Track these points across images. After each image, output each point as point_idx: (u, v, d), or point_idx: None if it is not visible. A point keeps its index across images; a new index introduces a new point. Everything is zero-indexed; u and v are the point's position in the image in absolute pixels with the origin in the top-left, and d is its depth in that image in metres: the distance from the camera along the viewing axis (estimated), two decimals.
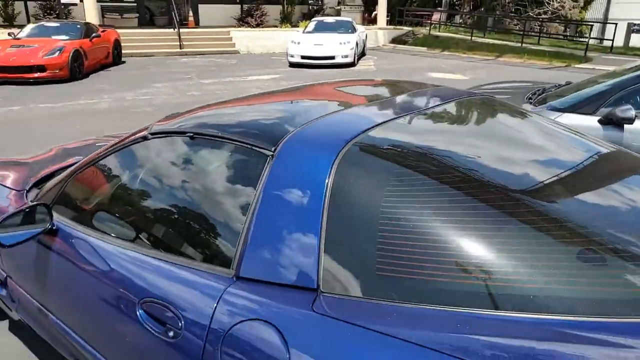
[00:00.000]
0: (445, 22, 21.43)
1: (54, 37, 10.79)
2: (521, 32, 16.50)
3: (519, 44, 15.45)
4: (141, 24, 18.58)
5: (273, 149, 1.27)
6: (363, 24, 19.86)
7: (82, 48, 10.65)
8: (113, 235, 1.52)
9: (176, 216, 1.43)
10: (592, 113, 3.32)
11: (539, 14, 19.07)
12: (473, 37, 16.82)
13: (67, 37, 10.86)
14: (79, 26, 11.56)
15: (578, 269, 1.01)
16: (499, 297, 0.95)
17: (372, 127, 1.33)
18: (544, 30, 18.70)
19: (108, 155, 1.70)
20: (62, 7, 16.14)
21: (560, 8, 18.70)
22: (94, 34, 11.51)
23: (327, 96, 1.89)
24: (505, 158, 1.39)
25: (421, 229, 1.07)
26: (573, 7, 18.94)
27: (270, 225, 1.18)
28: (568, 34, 19.04)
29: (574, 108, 3.43)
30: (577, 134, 1.72)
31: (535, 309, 0.92)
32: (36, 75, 9.70)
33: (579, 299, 0.94)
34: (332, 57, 12.59)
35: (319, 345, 0.97)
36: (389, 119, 1.41)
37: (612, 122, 3.17)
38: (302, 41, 13.03)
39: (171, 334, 1.19)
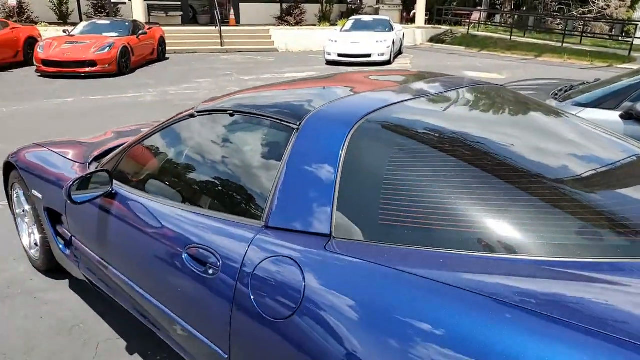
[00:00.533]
0: (485, 21, 21.23)
1: (104, 34, 11.41)
2: (563, 32, 16.20)
3: (560, 44, 15.21)
4: (185, 22, 19.25)
5: (298, 123, 1.51)
6: (401, 23, 19.93)
7: (129, 44, 11.22)
8: (163, 197, 1.79)
9: (216, 180, 1.69)
10: (614, 108, 3.41)
11: (583, 13, 18.67)
12: (512, 37, 16.64)
13: (116, 34, 11.47)
14: (127, 24, 12.16)
15: (545, 220, 1.20)
16: (474, 241, 1.16)
17: (384, 106, 1.55)
18: (588, 30, 18.29)
19: (158, 131, 1.99)
20: (112, 5, 16.93)
21: (606, 7, 18.25)
22: (140, 31, 12.09)
23: (353, 82, 2.11)
24: (499, 132, 1.58)
25: (415, 188, 1.29)
26: (619, 7, 18.44)
27: (294, 185, 1.42)
28: (613, 33, 18.54)
29: (596, 103, 3.53)
30: (569, 116, 1.89)
31: (508, 251, 1.12)
32: (87, 69, 10.31)
33: (545, 243, 1.14)
34: (369, 55, 12.77)
35: (327, 274, 1.20)
36: (400, 100, 1.63)
37: (632, 117, 3.26)
38: (339, 39, 13.26)
39: (211, 271, 1.45)
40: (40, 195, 2.50)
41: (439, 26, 20.18)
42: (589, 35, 17.16)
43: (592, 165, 1.52)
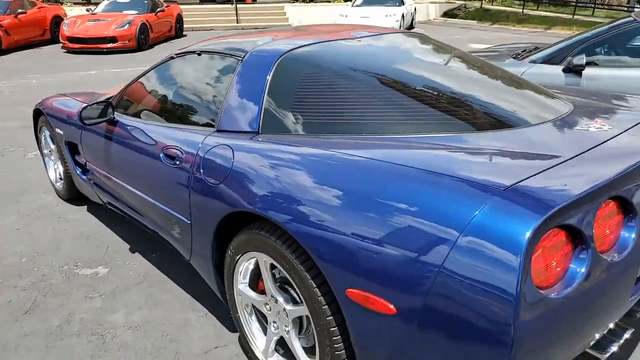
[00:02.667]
0: None
1: (124, 12, 12.04)
2: (575, 4, 16.16)
3: (571, 16, 15.24)
4: (203, 1, 19.76)
5: (243, 55, 2.06)
6: None
7: (148, 22, 11.83)
8: (150, 119, 2.36)
9: (186, 101, 2.25)
10: (558, 63, 3.84)
11: None
12: (524, 10, 16.67)
13: (135, 12, 12.09)
14: (145, 2, 12.75)
15: (415, 111, 1.72)
16: (356, 126, 1.69)
17: (303, 45, 2.08)
18: (605, 2, 18.14)
19: (149, 71, 2.56)
20: None
21: None
22: (158, 9, 12.68)
23: (300, 31, 2.60)
24: (397, 58, 2.09)
25: (317, 99, 1.82)
26: None
27: (235, 100, 1.97)
28: (629, 4, 18.33)
29: (545, 60, 3.96)
30: (467, 55, 2.37)
31: (383, 132, 1.65)
32: (109, 45, 10.98)
33: (412, 126, 1.66)
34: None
35: (248, 154, 1.75)
36: (318, 41, 2.15)
37: (571, 70, 3.70)
38: (349, 14, 13.63)
39: (177, 162, 2.02)
40: (62, 132, 3.11)
41: (453, 0, 20.23)
42: (604, 7, 17.05)
43: (456, 78, 2.01)
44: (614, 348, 1.55)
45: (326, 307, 1.49)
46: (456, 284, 1.16)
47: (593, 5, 16.66)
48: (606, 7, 17.19)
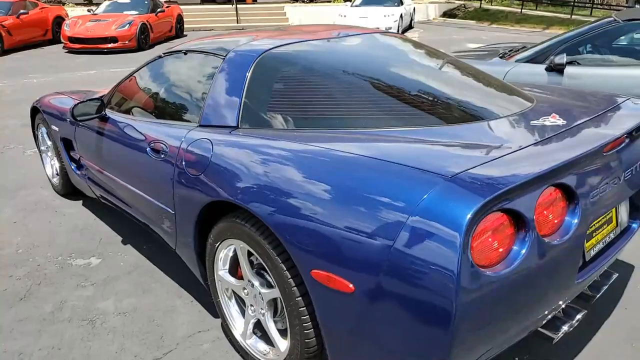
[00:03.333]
0: None
1: (125, 12, 12.18)
2: (572, 4, 16.23)
3: (569, 16, 15.31)
4: (203, 1, 19.89)
5: (225, 54, 2.17)
6: None
7: (148, 22, 11.97)
8: (139, 115, 2.47)
9: (171, 98, 2.37)
10: (542, 62, 3.94)
11: None
12: (523, 10, 16.76)
13: (136, 12, 12.23)
14: (146, 2, 12.88)
15: (383, 108, 1.83)
16: (331, 121, 1.80)
17: (280, 45, 2.19)
18: (604, 2, 18.20)
19: (137, 70, 2.67)
20: None
21: None
22: (159, 9, 12.82)
23: (279, 32, 2.70)
24: (366, 56, 2.20)
25: (292, 96, 1.93)
26: None
27: (217, 97, 2.08)
28: (628, 4, 18.36)
29: (530, 59, 4.05)
30: (432, 50, 2.48)
31: (349, 127, 1.75)
32: (109, 45, 11.12)
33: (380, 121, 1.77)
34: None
35: (226, 147, 1.86)
36: (294, 41, 2.25)
37: (552, 69, 3.80)
38: (348, 14, 13.74)
39: (162, 155, 2.13)
40: (57, 129, 3.23)
41: (453, 0, 20.32)
42: (604, 6, 17.10)
43: (424, 75, 2.12)
44: (565, 328, 1.65)
45: (295, 288, 1.60)
46: (406, 262, 1.26)
47: (591, 5, 16.73)
48: (605, 7, 17.25)
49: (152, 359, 2.04)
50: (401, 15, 13.88)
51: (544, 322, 1.61)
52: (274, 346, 1.86)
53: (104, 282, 2.59)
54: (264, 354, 1.90)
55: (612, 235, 1.81)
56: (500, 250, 1.31)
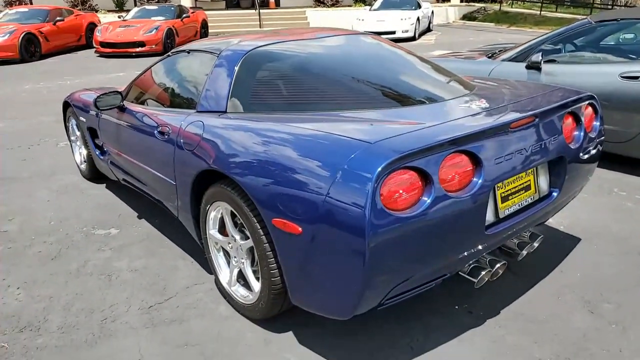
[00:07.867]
0: None
1: (152, 18, 12.86)
2: (590, 5, 16.22)
3: None
4: (228, 7, 20.58)
5: (219, 52, 2.61)
6: (438, 0, 20.36)
7: (174, 27, 12.62)
8: (150, 105, 2.93)
9: (177, 89, 2.82)
10: (523, 61, 4.26)
11: None
12: (542, 12, 16.83)
13: (162, 18, 12.90)
14: (172, 8, 13.57)
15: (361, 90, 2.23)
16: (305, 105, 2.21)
17: (266, 44, 2.61)
18: (628, 2, 18.09)
19: (151, 67, 3.14)
20: None
21: None
22: (184, 15, 13.48)
23: (270, 33, 3.13)
24: (341, 53, 2.60)
25: (272, 87, 2.35)
26: None
27: (211, 87, 2.51)
28: None
29: (513, 58, 4.37)
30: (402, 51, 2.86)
31: (314, 110, 2.16)
32: (137, 49, 11.80)
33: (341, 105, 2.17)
34: (393, 32, 13.56)
35: (215, 126, 2.28)
36: (279, 41, 2.67)
37: (531, 67, 4.11)
38: (366, 18, 14.12)
39: (166, 136, 2.57)
40: (84, 119, 3.73)
41: (473, 3, 20.47)
42: (624, 7, 17.01)
43: (384, 68, 2.50)
44: (484, 274, 2.02)
45: (263, 236, 2.01)
46: (334, 206, 1.66)
47: (611, 6, 16.68)
48: (625, 6, 17.15)
49: (155, 303, 2.48)
50: (418, 19, 14.18)
51: (464, 266, 1.98)
52: (252, 290, 2.27)
53: (120, 247, 3.06)
54: (244, 297, 2.32)
55: (529, 200, 2.15)
56: (408, 198, 1.69)
